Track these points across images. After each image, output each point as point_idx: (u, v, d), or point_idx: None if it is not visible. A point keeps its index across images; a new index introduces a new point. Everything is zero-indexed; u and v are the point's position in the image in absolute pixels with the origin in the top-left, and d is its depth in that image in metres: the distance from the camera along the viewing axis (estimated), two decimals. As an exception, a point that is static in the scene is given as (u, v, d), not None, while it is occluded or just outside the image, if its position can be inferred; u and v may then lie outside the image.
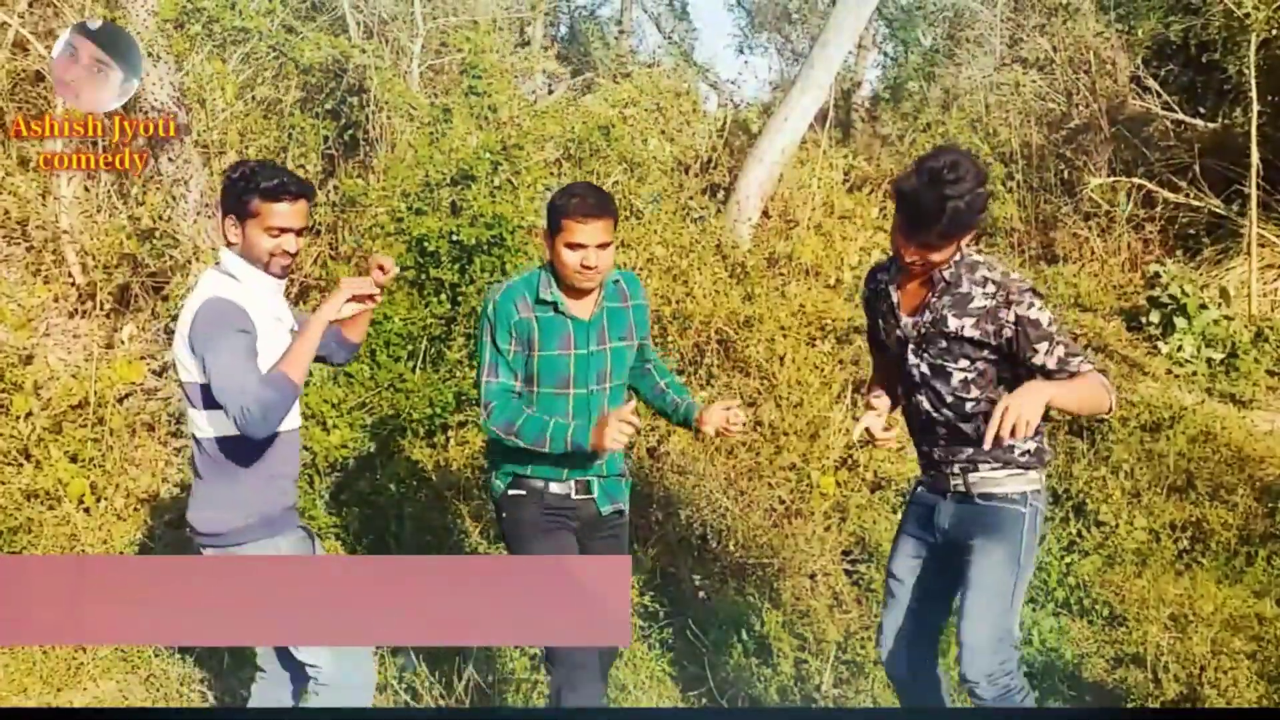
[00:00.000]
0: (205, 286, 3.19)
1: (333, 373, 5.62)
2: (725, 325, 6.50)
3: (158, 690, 4.47)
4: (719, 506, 5.59)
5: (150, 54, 5.89)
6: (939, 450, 3.36)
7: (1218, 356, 7.60)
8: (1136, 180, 9.01)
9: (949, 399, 3.28)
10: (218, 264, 3.25)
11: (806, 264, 7.87)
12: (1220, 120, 9.17)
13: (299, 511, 3.43)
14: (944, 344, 3.24)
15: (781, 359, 6.46)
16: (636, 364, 3.67)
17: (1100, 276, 8.79)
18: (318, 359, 3.47)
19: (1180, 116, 9.35)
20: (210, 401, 3.12)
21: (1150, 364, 7.50)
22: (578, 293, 3.44)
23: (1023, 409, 2.94)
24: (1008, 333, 3.16)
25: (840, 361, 6.76)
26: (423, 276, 5.99)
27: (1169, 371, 7.50)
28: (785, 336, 6.59)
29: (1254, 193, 8.20)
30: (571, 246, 3.35)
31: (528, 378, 3.44)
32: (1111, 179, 9.15)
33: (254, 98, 7.47)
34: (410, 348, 5.86)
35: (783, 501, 5.71)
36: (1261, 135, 8.30)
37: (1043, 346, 3.14)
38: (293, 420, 3.31)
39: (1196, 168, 8.79)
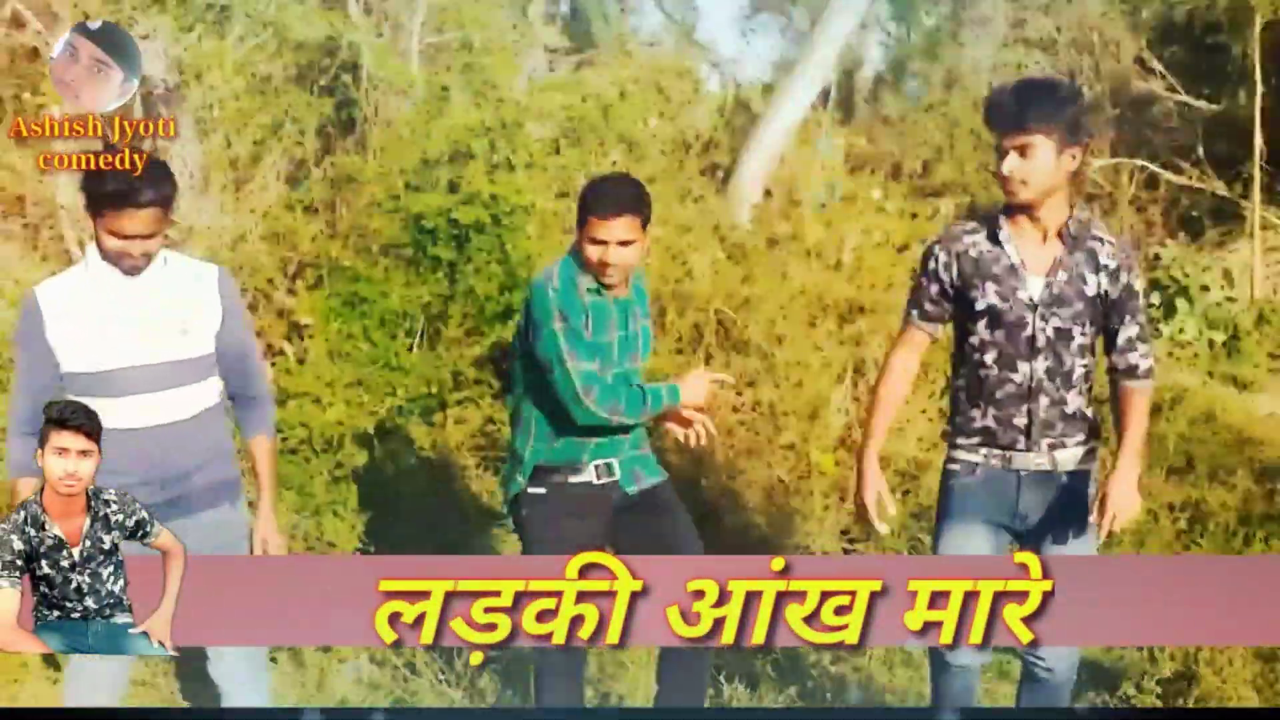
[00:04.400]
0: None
1: (329, 350, 5.60)
2: (724, 306, 6.47)
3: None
4: (717, 486, 5.58)
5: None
6: (1033, 425, 3.14)
7: (1220, 338, 7.57)
8: (1139, 162, 8.96)
9: (1067, 365, 3.13)
10: None
11: (808, 245, 7.82)
12: (1224, 102, 9.11)
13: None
14: (1080, 305, 3.12)
15: (780, 339, 6.43)
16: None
17: (1102, 258, 8.75)
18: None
19: (1184, 98, 9.27)
20: None
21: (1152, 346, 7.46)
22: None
23: (1129, 507, 2.98)
24: (1115, 296, 3.11)
25: (841, 342, 6.72)
26: (420, 254, 5.96)
27: (1170, 353, 7.46)
28: (785, 317, 6.56)
29: (1257, 175, 8.16)
30: (594, 242, 3.30)
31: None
32: (1114, 160, 9.10)
33: (254, 75, 7.40)
34: (407, 325, 5.83)
35: (782, 481, 5.69)
36: (1266, 117, 8.25)
37: (1129, 320, 3.12)
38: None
39: (1200, 150, 8.73)
